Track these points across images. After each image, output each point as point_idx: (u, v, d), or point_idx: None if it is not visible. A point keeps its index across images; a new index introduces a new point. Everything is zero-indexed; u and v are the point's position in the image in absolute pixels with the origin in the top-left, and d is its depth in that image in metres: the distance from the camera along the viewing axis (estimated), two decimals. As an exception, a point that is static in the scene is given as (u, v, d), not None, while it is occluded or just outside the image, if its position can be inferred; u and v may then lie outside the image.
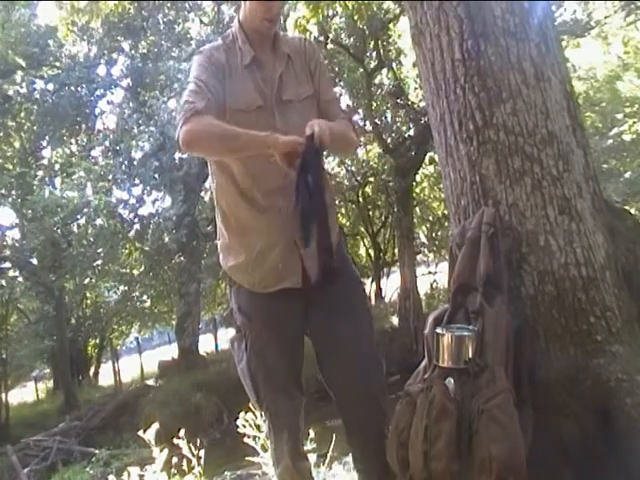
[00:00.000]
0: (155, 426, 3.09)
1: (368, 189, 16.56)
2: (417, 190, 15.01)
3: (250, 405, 3.18)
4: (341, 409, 1.95)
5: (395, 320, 13.13)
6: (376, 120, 13.13)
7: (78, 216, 13.52)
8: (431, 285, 15.68)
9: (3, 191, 14.63)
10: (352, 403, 1.92)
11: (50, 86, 14.80)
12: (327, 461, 3.47)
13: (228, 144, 1.74)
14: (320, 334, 1.91)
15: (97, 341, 19.66)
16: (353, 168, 15.69)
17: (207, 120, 1.71)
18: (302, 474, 1.96)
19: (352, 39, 12.53)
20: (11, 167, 15.46)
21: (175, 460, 3.15)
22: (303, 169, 1.69)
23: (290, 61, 1.93)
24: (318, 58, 2.04)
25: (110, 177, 12.76)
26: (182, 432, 3.18)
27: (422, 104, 11.37)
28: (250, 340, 1.88)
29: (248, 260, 1.85)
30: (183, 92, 1.92)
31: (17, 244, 14.68)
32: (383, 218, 17.03)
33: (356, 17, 10.90)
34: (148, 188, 13.08)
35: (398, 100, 12.93)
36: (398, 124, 14.26)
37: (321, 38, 11.08)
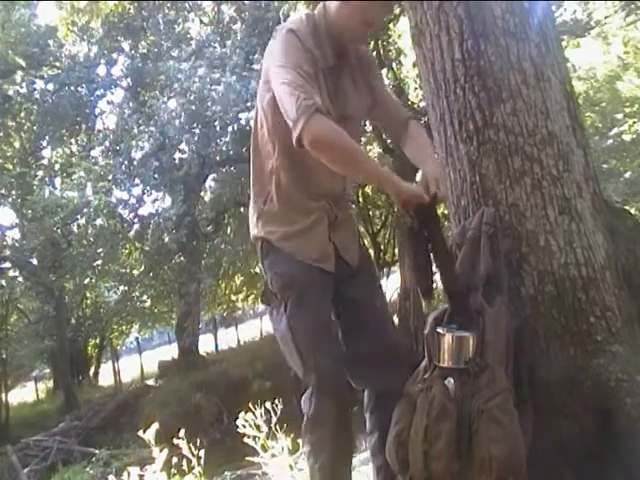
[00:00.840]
0: (155, 426, 3.08)
1: (368, 189, 16.55)
2: (417, 190, 14.99)
3: (250, 405, 3.21)
4: (370, 376, 1.94)
5: (395, 320, 13.13)
6: (376, 120, 13.10)
7: (78, 216, 13.53)
8: (431, 285, 15.63)
9: (3, 191, 14.67)
10: (384, 366, 1.91)
11: (50, 86, 14.82)
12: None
13: (354, 167, 1.73)
14: (352, 302, 1.92)
15: (97, 341, 19.69)
16: (353, 168, 15.67)
17: (335, 127, 1.67)
18: (347, 444, 1.87)
19: (352, 39, 12.53)
20: (11, 167, 15.49)
21: (175, 460, 3.15)
22: (423, 223, 1.71)
23: (354, 72, 1.92)
24: (374, 63, 2.07)
25: (110, 177, 12.77)
26: (182, 432, 3.18)
27: (422, 104, 11.36)
28: (290, 300, 1.83)
29: (294, 231, 1.86)
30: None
31: (17, 244, 14.71)
32: (383, 218, 17.02)
33: (356, 17, 10.88)
34: (148, 188, 13.09)
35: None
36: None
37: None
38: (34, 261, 14.67)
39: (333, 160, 1.71)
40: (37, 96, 14.98)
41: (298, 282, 1.84)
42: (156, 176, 12.27)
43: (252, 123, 1.97)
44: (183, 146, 12.52)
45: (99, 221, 13.71)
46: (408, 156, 1.99)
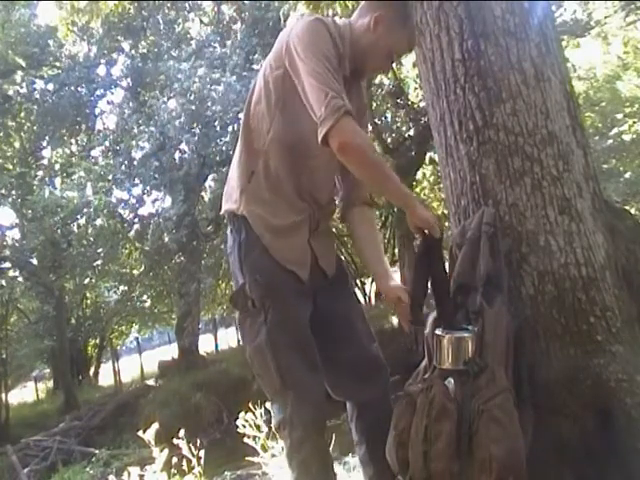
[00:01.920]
0: (155, 426, 3.09)
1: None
2: (417, 190, 15.01)
3: (250, 405, 3.20)
4: (351, 389, 1.92)
5: (395, 320, 13.13)
6: (376, 120, 13.12)
7: (78, 216, 13.54)
8: (431, 285, 15.65)
9: (3, 191, 14.66)
10: (364, 378, 1.89)
11: (50, 86, 14.83)
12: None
13: (377, 176, 1.72)
14: (331, 313, 1.88)
15: (97, 341, 19.69)
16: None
17: (363, 133, 1.70)
18: (329, 456, 1.85)
19: (352, 39, 12.52)
20: (11, 167, 15.48)
21: (175, 460, 3.14)
22: (427, 248, 1.76)
23: (360, 97, 1.92)
24: (367, 112, 2.15)
25: (110, 177, 12.78)
26: (182, 432, 3.18)
27: (422, 104, 11.37)
28: (271, 312, 1.75)
29: (275, 225, 1.79)
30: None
31: (17, 244, 14.69)
32: (383, 218, 17.02)
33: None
34: (148, 188, 13.10)
35: (398, 100, 12.92)
36: (398, 124, 14.26)
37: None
38: (34, 261, 14.66)
39: (358, 165, 1.70)
40: (37, 96, 14.98)
41: (280, 292, 1.78)
42: (156, 176, 12.28)
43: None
44: (183, 146, 12.53)
45: (99, 221, 13.73)
46: (355, 235, 2.02)
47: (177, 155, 12.67)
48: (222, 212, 1.90)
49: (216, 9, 14.54)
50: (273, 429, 1.93)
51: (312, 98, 1.64)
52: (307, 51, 1.67)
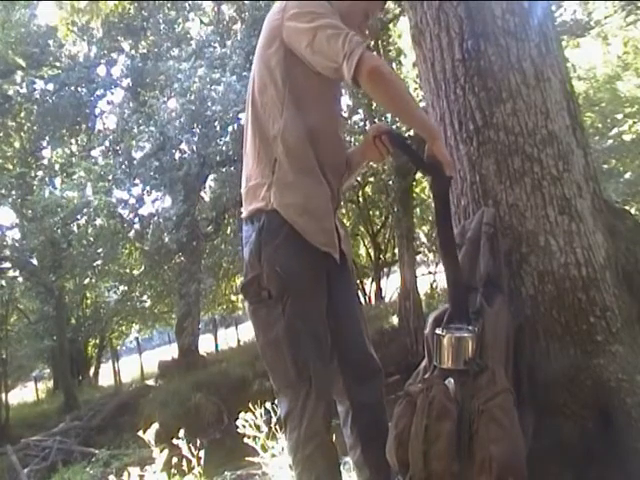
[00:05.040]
0: (155, 426, 3.09)
1: (368, 189, 16.55)
2: (417, 190, 15.00)
3: (250, 405, 3.20)
4: (349, 388, 1.90)
5: (395, 320, 13.13)
6: (376, 120, 13.12)
7: (78, 216, 13.52)
8: (431, 285, 15.69)
9: (3, 191, 14.65)
10: (363, 378, 1.89)
11: (50, 86, 14.81)
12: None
13: (404, 103, 1.73)
14: (338, 309, 1.87)
15: (97, 341, 19.68)
16: (353, 168, 15.63)
17: (386, 64, 1.79)
18: (336, 454, 1.83)
19: (352, 39, 12.52)
20: (11, 167, 15.48)
21: (175, 460, 3.14)
22: (435, 180, 1.74)
23: None
24: None
25: (110, 177, 12.76)
26: (182, 432, 3.18)
27: (422, 104, 11.36)
28: (289, 303, 1.72)
29: (307, 205, 1.77)
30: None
31: (17, 244, 14.68)
32: (383, 218, 17.04)
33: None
34: (148, 188, 13.08)
35: (398, 100, 12.91)
36: (398, 124, 14.25)
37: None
38: (34, 261, 14.65)
39: (388, 92, 1.72)
40: (37, 96, 14.96)
41: (300, 284, 1.75)
42: (156, 176, 12.26)
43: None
44: (183, 146, 12.52)
45: (99, 221, 13.71)
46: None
47: (177, 155, 12.65)
48: (245, 215, 1.85)
49: (216, 9, 14.54)
50: (277, 422, 1.91)
51: (330, 45, 1.67)
52: (312, 15, 1.72)
